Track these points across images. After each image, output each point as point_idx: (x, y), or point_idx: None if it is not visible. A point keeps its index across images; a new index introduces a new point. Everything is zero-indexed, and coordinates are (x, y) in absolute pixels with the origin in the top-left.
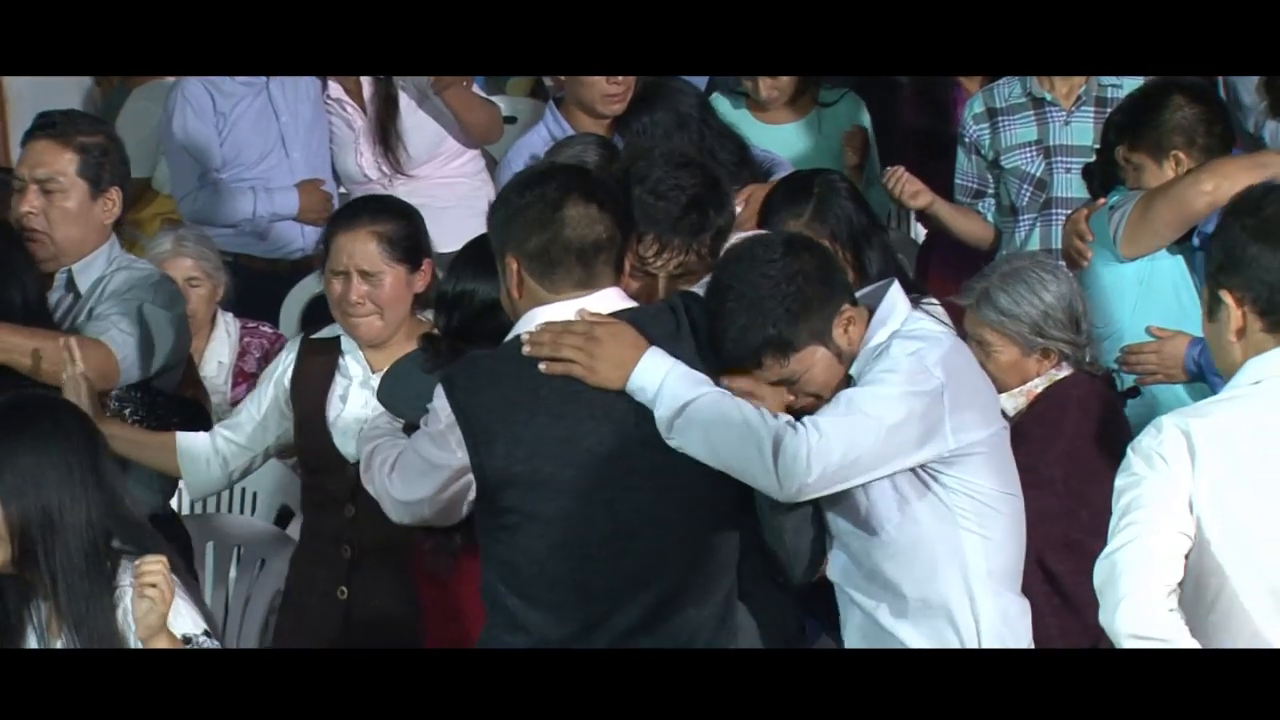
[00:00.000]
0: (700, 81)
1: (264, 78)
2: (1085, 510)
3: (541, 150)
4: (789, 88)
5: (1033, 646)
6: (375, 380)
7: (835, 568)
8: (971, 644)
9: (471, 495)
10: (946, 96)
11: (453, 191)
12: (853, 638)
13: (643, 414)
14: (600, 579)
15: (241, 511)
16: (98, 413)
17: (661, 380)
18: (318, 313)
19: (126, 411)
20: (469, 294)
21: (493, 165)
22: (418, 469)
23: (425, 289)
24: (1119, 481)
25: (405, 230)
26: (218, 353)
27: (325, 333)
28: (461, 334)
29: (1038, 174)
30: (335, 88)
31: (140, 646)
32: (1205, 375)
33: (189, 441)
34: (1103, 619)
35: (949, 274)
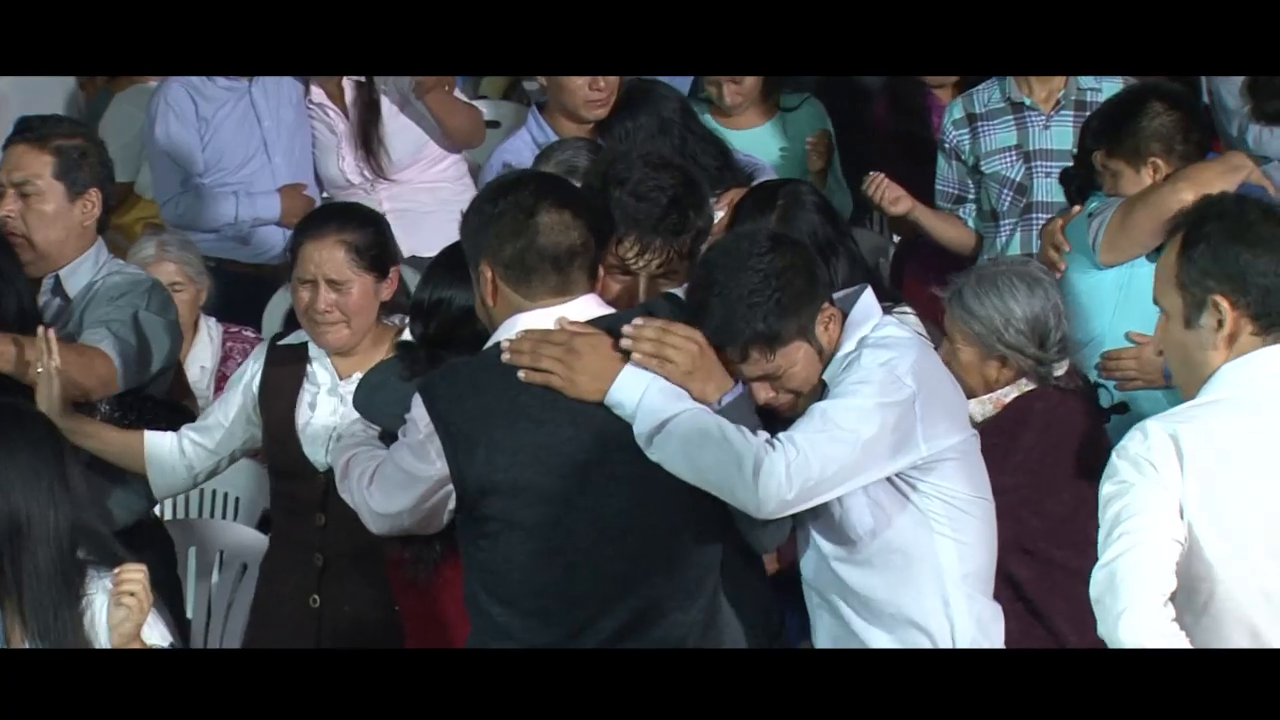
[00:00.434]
0: (683, 85)
1: (246, 83)
2: (1038, 519)
3: (526, 155)
4: (752, 92)
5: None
6: (343, 387)
7: (807, 567)
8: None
9: (452, 504)
10: (920, 103)
11: (435, 196)
12: (823, 642)
13: (623, 420)
14: (584, 585)
15: (223, 516)
16: (67, 409)
17: (640, 395)
18: None
19: (117, 416)
20: (445, 301)
21: (475, 170)
22: (397, 481)
23: (390, 296)
24: (1106, 489)
25: (373, 239)
26: (200, 357)
27: (292, 339)
28: (439, 341)
29: (1018, 179)
30: (317, 92)
31: None
32: None
33: (156, 442)
34: (1102, 630)
35: (927, 278)
